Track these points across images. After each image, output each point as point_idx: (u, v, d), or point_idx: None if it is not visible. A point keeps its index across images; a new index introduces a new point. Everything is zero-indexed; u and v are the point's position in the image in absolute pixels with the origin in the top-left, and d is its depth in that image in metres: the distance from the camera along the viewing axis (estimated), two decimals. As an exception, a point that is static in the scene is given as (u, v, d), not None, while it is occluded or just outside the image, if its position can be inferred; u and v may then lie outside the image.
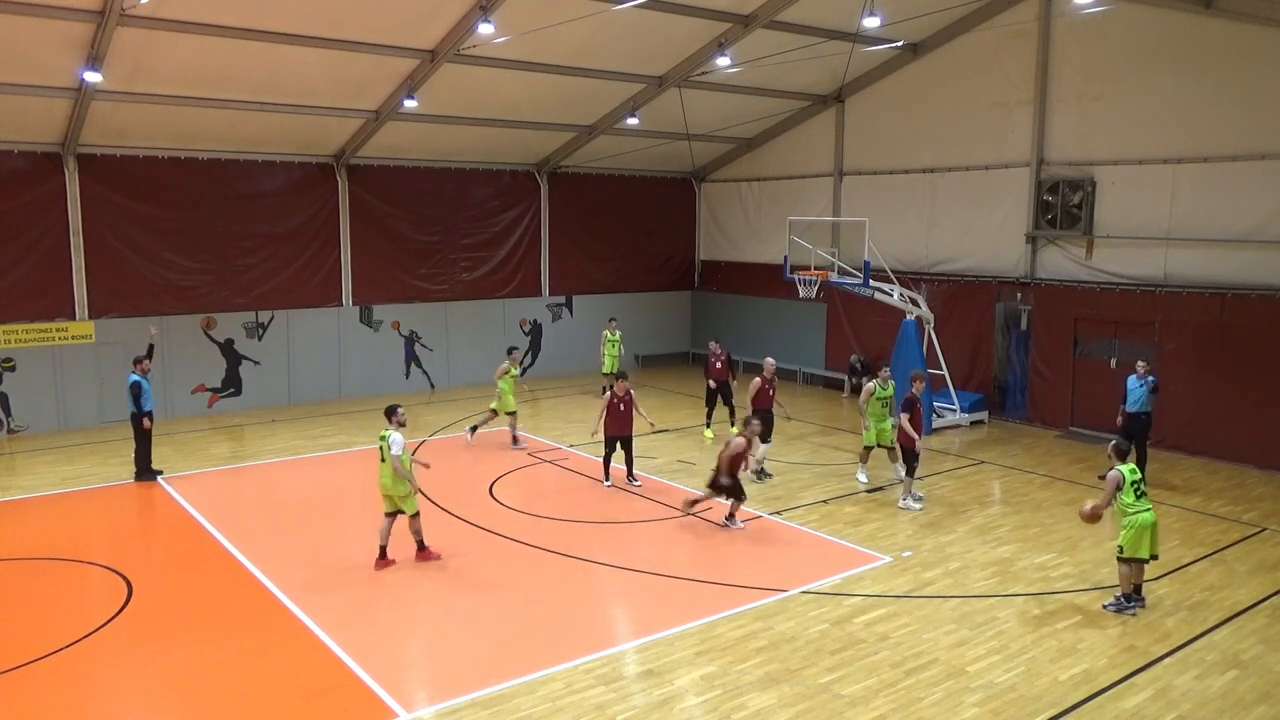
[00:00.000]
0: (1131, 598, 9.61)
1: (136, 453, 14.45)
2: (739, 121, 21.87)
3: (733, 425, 16.68)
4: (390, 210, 21.13)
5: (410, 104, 17.16)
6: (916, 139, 19.96)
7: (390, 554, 10.85)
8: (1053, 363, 17.89)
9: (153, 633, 9.19)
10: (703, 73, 18.55)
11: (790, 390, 21.84)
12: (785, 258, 18.31)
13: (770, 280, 21.80)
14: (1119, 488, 9.47)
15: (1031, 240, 18.10)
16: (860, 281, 17.30)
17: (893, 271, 18.51)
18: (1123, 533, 9.54)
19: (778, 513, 12.81)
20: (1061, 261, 17.77)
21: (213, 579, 10.54)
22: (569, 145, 22.02)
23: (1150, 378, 14.02)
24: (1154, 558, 9.61)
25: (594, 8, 14.97)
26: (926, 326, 17.99)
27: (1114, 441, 9.92)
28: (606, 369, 20.00)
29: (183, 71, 15.37)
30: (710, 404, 17.43)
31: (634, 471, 14.27)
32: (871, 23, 14.68)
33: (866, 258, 17.12)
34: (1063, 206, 17.44)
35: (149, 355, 14.58)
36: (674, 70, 18.59)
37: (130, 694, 8.16)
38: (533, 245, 23.43)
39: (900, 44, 18.99)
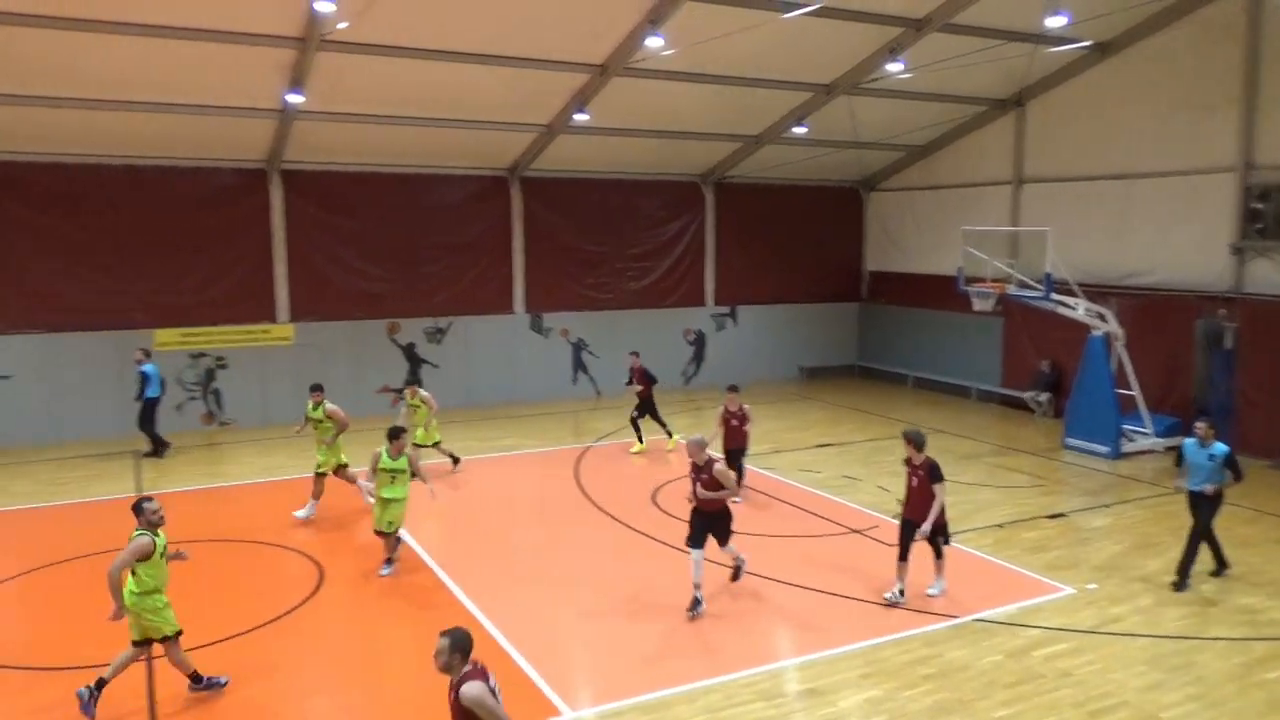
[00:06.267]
0: None
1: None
2: (910, 128, 21.23)
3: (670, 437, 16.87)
4: (560, 221, 21.78)
5: (581, 117, 17.64)
6: (1105, 144, 18.75)
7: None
8: (1263, 386, 16.32)
9: (340, 615, 9.82)
10: (873, 79, 18.13)
11: (962, 408, 21.00)
12: (959, 269, 17.62)
13: (943, 292, 21.00)
14: None
15: (1238, 251, 16.63)
16: (1041, 294, 16.42)
17: (1077, 284, 17.43)
18: None
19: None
20: (1273, 275, 16.23)
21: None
22: (735, 155, 22.02)
23: (1219, 445, 10.43)
24: None
25: (762, 17, 14.91)
26: (1116, 343, 16.85)
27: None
28: (420, 440, 15.06)
29: (373, 91, 16.40)
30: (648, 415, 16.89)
31: (741, 483, 13.69)
32: (1055, 22, 13.94)
33: (1048, 269, 16.23)
34: (1275, 215, 15.93)
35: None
36: (843, 77, 18.25)
37: (317, 672, 8.73)
38: (698, 255, 23.57)
39: (1088, 44, 17.91)
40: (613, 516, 13.11)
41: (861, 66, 17.75)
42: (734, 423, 13.59)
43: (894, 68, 16.80)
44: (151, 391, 16.51)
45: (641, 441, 16.89)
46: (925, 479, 9.84)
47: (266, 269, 19.16)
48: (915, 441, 9.95)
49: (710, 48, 15.57)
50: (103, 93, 15.21)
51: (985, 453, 16.81)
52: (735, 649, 9.01)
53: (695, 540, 10.02)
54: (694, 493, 10.02)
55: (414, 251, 20.34)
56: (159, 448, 16.63)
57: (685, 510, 13.08)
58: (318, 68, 14.99)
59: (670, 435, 16.90)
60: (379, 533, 11.00)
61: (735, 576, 10.39)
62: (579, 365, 22.39)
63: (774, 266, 24.44)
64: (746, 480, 13.95)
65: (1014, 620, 9.61)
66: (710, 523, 10.12)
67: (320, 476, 13.09)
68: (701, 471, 9.95)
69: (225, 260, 18.76)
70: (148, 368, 16.54)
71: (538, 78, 16.59)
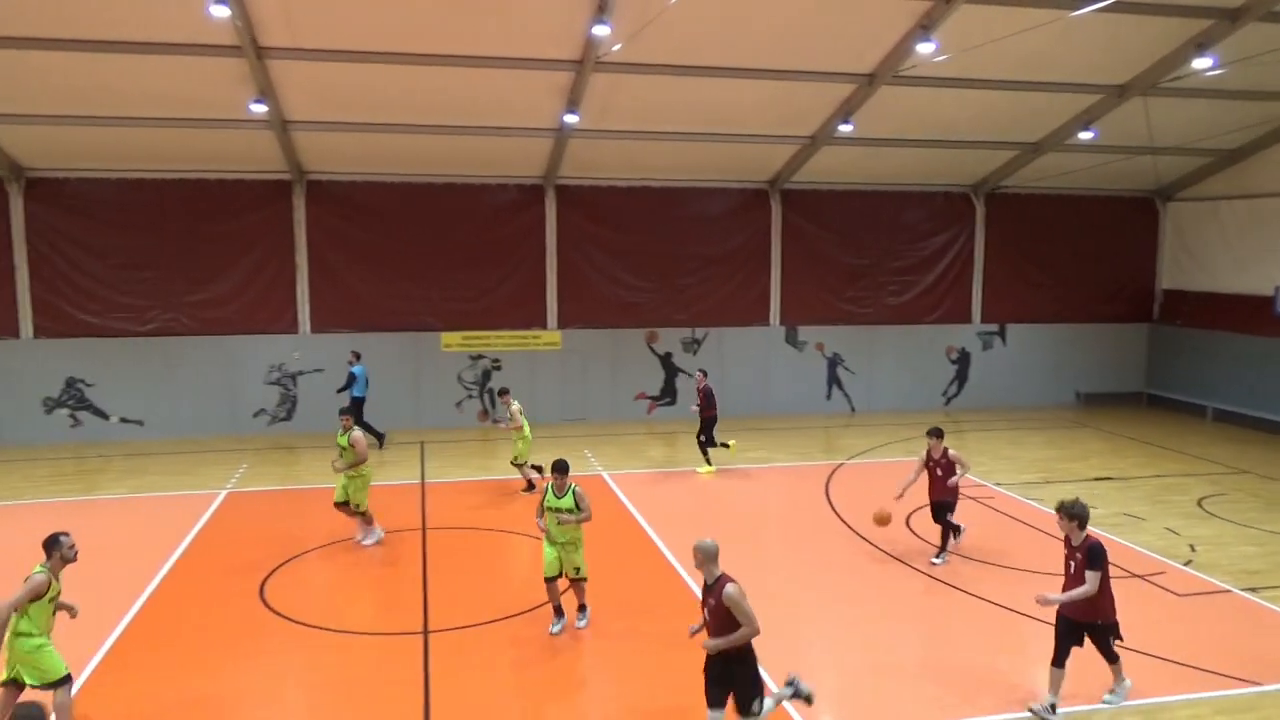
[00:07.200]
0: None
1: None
2: (1219, 131, 18.98)
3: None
4: (819, 233, 21.54)
5: (845, 128, 17.35)
6: None
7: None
8: None
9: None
10: (1174, 78, 16.39)
11: (1274, 446, 18.45)
12: (1277, 288, 15.52)
13: (1255, 314, 18.62)
14: None
15: None
16: (1384, 319, 14.11)
17: None
18: None
19: (1253, 589, 10.85)
20: None
21: (641, 570, 11.48)
22: (1010, 164, 20.74)
23: None
24: None
25: (1047, 16, 13.94)
26: None
27: None
28: (521, 455, 14.98)
29: (642, 109, 17.06)
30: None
31: (945, 547, 11.89)
32: None
33: (1395, 290, 13.92)
34: None
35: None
36: (1138, 77, 16.66)
37: (559, 668, 9.16)
38: (964, 270, 22.44)
39: None
40: (863, 537, 12.75)
41: (1161, 64, 16.12)
42: (939, 472, 11.83)
43: (1201, 64, 15.11)
44: (357, 391, 17.99)
45: (710, 464, 16.57)
46: (1084, 564, 7.81)
47: (539, 278, 20.45)
48: (1077, 517, 7.89)
49: (986, 51, 14.78)
50: (406, 118, 16.92)
51: (1303, 499, 14.70)
52: (995, 691, 8.44)
53: (712, 698, 6.98)
54: (701, 622, 7.09)
55: (674, 262, 20.91)
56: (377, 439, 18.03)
57: (939, 534, 12.51)
58: (592, 88, 15.80)
59: (709, 463, 16.54)
60: (571, 580, 9.81)
61: None
62: (834, 380, 21.98)
63: (1049, 283, 22.77)
64: (963, 511, 12.99)
65: (1335, 696, 8.31)
66: (725, 671, 6.91)
67: (342, 505, 12.36)
68: (708, 594, 7.00)
69: (504, 269, 20.24)
70: (356, 369, 18.12)
71: (802, 89, 16.53)
